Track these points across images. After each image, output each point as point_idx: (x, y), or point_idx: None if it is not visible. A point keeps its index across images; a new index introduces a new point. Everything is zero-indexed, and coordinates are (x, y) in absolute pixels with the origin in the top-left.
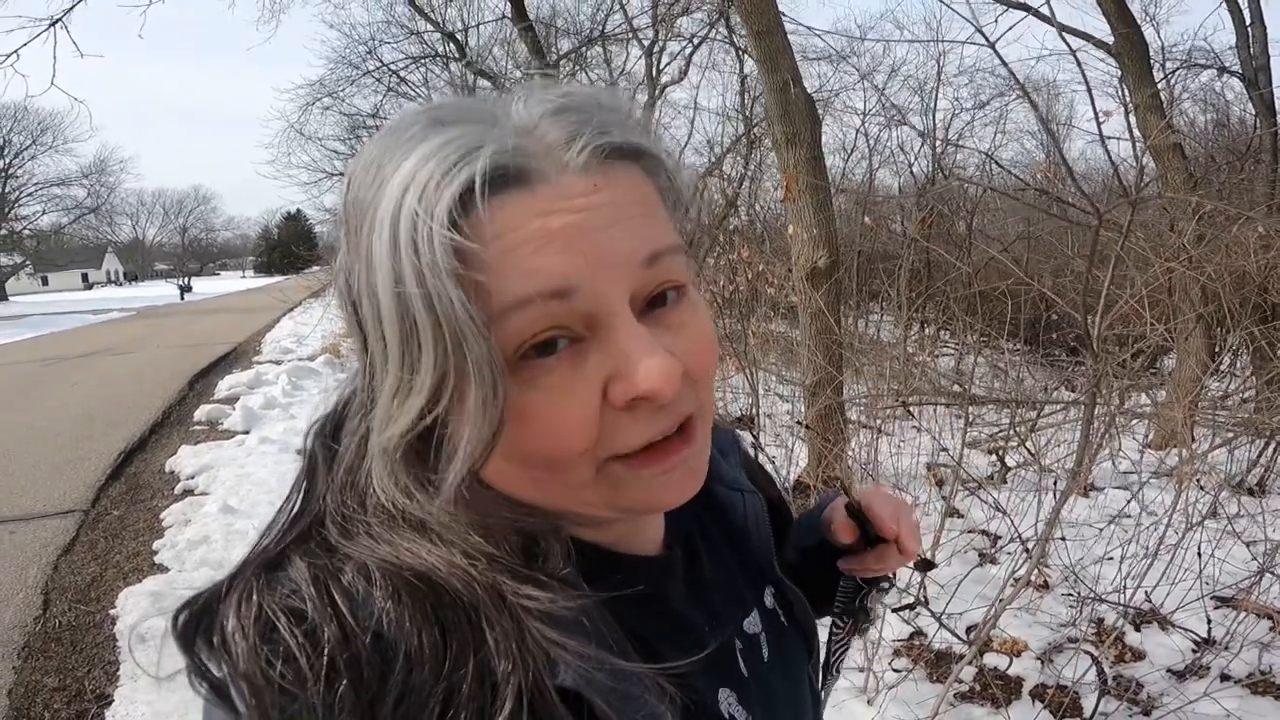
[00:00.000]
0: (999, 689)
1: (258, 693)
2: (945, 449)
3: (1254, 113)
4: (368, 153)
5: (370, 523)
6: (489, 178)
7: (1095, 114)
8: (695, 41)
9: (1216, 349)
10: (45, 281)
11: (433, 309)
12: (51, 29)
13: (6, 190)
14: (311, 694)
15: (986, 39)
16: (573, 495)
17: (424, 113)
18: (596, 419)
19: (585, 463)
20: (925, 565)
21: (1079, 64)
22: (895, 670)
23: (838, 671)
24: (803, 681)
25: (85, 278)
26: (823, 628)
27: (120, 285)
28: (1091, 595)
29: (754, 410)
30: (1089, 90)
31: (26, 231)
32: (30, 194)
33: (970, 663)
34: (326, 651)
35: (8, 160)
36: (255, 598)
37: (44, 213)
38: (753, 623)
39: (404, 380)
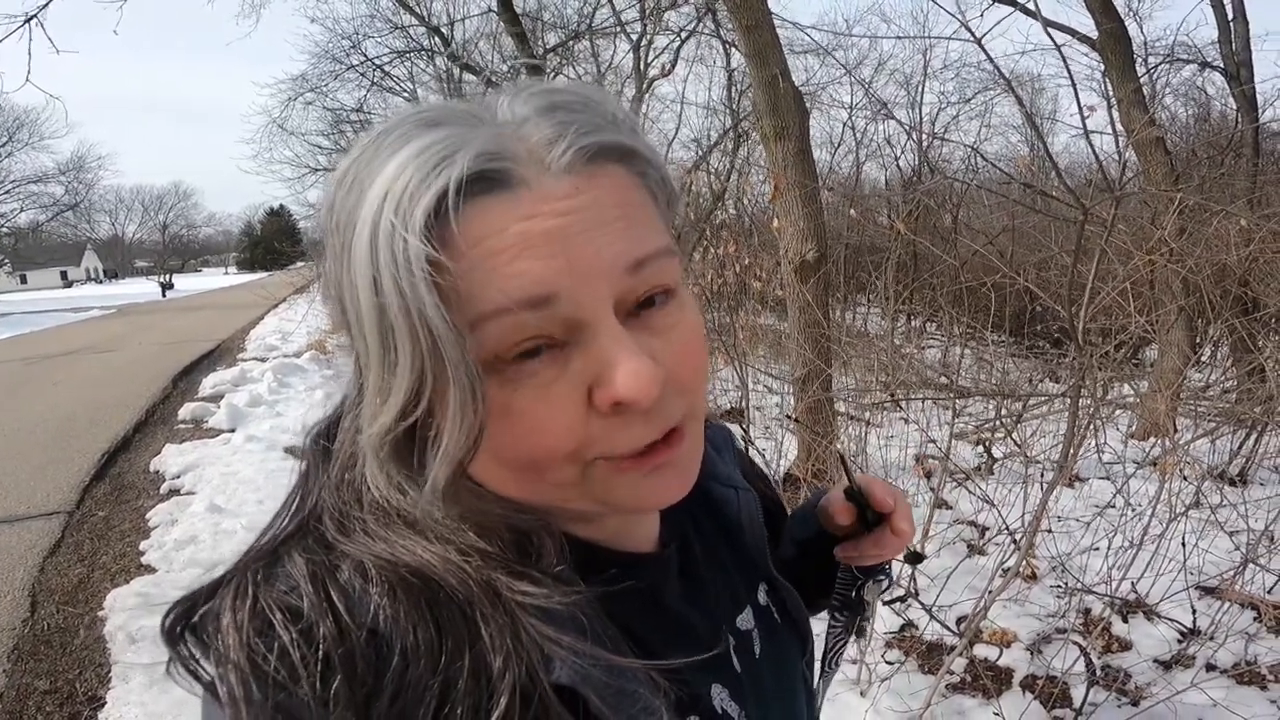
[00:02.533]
0: (990, 680)
1: (248, 686)
2: (933, 440)
3: (1235, 107)
4: (352, 155)
5: (366, 519)
6: (468, 181)
7: (1080, 109)
8: (683, 35)
9: (1198, 341)
10: (24, 280)
11: (408, 314)
12: (26, 25)
13: None
14: (306, 689)
15: (972, 34)
16: (559, 494)
17: (409, 117)
18: (582, 423)
19: (570, 464)
20: (915, 558)
21: (1064, 59)
22: (888, 662)
23: (835, 664)
24: (796, 677)
25: (64, 275)
26: (820, 622)
27: (100, 283)
28: (1079, 586)
29: (743, 404)
30: (1074, 85)
31: (4, 229)
32: (7, 191)
33: (961, 654)
34: (322, 648)
35: None
36: (251, 592)
37: (21, 210)
38: (746, 619)
39: (384, 380)
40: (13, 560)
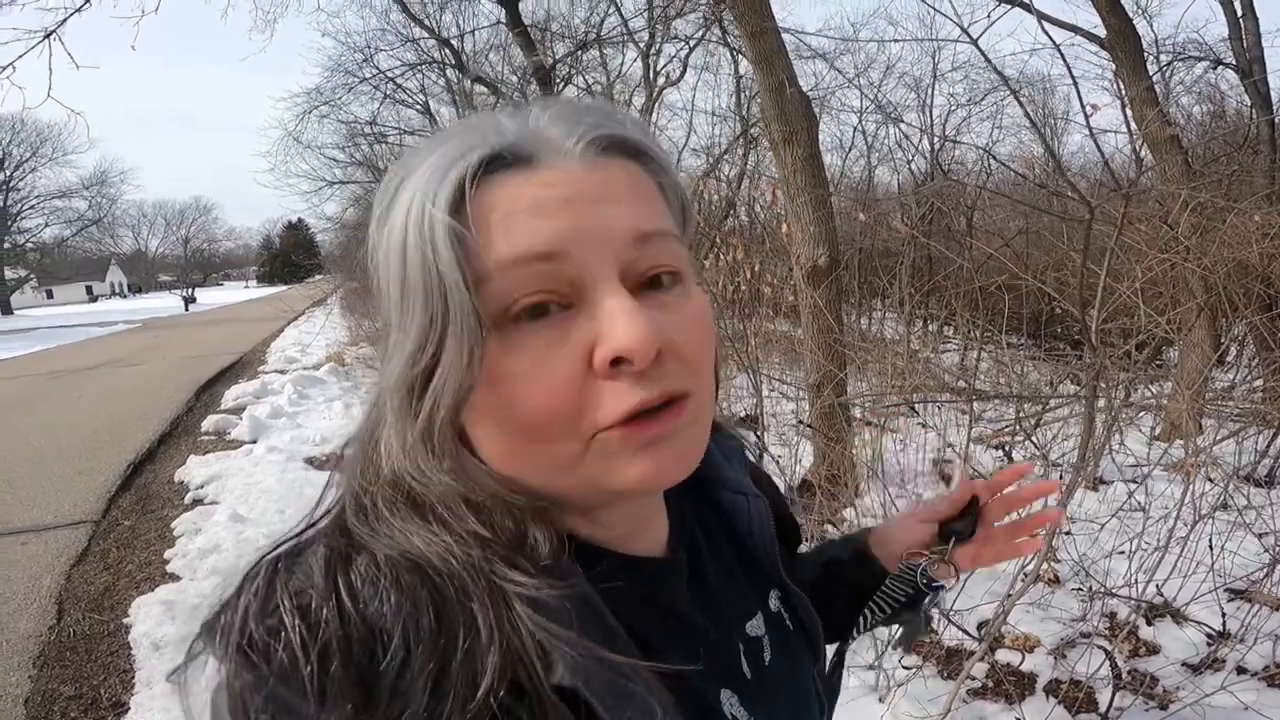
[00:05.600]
0: (1012, 685)
1: (244, 675)
2: (951, 445)
3: (1250, 104)
4: (398, 163)
5: (378, 499)
6: (492, 159)
7: (1083, 107)
8: (691, 43)
9: (1221, 340)
10: (50, 295)
11: (424, 264)
12: (46, 41)
13: (8, 203)
14: (304, 677)
15: (970, 37)
16: (561, 474)
17: (454, 123)
18: (578, 384)
19: (571, 436)
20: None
21: (1063, 57)
22: (905, 668)
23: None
24: (808, 683)
25: (89, 290)
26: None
27: (125, 297)
28: (1101, 590)
29: (758, 411)
30: (1075, 84)
31: (29, 244)
32: (32, 206)
33: (982, 659)
34: (322, 636)
35: (8, 173)
36: (266, 581)
37: (46, 225)
38: (756, 625)
39: (401, 331)
40: (40, 568)
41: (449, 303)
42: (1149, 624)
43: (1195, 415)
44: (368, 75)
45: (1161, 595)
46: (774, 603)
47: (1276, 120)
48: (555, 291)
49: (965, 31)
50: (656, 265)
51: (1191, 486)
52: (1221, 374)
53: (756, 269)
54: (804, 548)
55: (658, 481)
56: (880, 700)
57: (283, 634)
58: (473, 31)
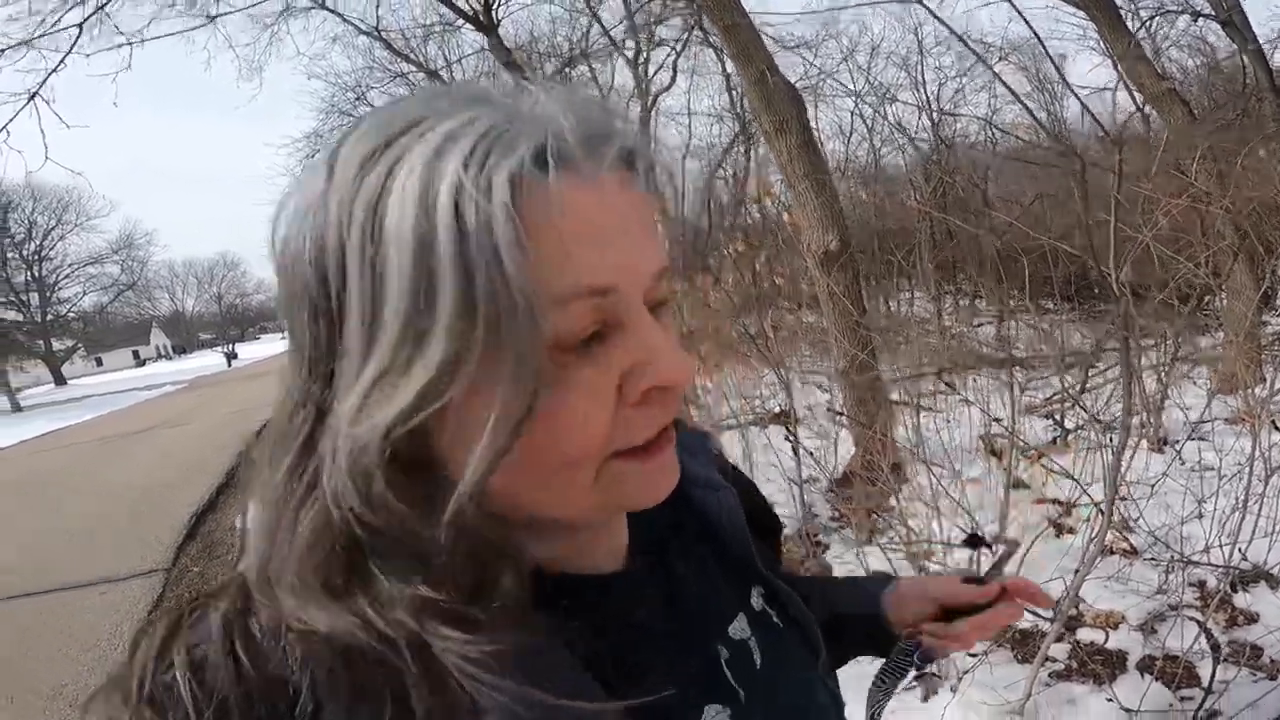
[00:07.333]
0: (1099, 665)
1: None
2: (998, 420)
3: (1238, 49)
4: (372, 123)
5: (286, 575)
6: (538, 155)
7: (1053, 62)
8: (676, 48)
9: (1263, 282)
10: (99, 362)
11: (468, 279)
12: (32, 103)
13: (44, 273)
14: None
15: (928, 8)
16: (572, 500)
17: (454, 86)
18: (613, 415)
19: (594, 463)
20: (975, 541)
21: (1022, 15)
22: (971, 655)
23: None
24: (810, 682)
25: (136, 354)
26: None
27: (170, 359)
28: (1179, 558)
29: (789, 405)
30: (1041, 42)
31: (71, 314)
32: (67, 275)
33: (1059, 639)
34: (217, 690)
35: (38, 242)
36: (161, 641)
37: (84, 293)
38: (739, 628)
39: (399, 360)
40: (120, 615)
41: (502, 337)
42: (1232, 590)
43: (1252, 362)
44: (361, 113)
45: (1247, 559)
46: (757, 601)
47: (1259, 48)
48: (603, 324)
49: (931, 11)
50: (662, 294)
51: (1259, 439)
52: (1273, 318)
53: (764, 260)
54: (850, 539)
55: (659, 497)
56: (951, 690)
57: (175, 689)
58: (459, 60)
